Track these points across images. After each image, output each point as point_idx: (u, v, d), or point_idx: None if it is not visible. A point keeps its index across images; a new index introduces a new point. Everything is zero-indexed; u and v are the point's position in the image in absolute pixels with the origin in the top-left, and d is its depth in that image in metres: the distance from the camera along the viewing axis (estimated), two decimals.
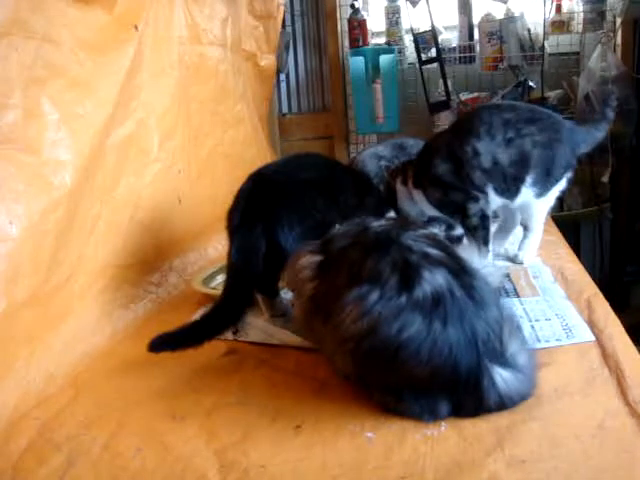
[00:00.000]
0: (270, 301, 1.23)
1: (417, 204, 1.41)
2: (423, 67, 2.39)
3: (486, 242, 1.38)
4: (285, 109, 2.83)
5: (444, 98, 2.37)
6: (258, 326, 1.19)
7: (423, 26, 2.41)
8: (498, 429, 0.79)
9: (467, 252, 0.94)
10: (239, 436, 0.84)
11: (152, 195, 1.45)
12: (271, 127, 2.57)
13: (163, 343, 1.01)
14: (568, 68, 2.45)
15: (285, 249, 1.10)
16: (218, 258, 1.52)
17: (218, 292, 1.26)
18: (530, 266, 1.39)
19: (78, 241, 1.16)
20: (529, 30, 2.39)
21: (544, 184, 1.32)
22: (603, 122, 1.39)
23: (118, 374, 1.06)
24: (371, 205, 1.32)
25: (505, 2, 2.41)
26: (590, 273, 1.36)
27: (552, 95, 2.43)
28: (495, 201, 1.36)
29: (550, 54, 2.42)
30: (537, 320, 1.10)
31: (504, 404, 0.81)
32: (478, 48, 2.48)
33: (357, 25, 2.50)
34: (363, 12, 2.53)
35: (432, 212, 1.40)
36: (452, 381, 0.78)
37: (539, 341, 1.02)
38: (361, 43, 2.50)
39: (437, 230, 1.34)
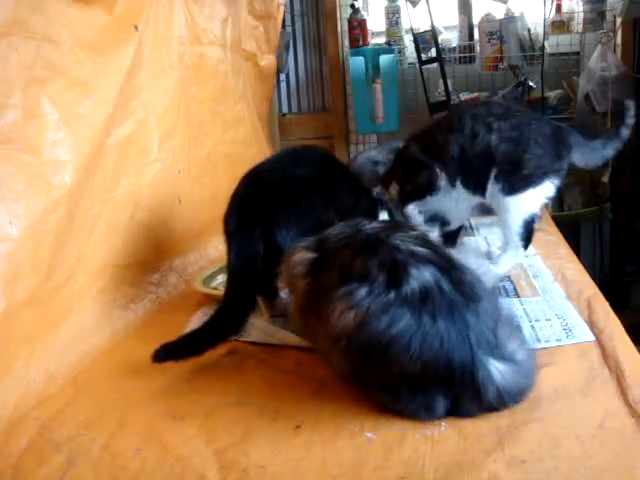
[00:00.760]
0: (270, 302, 1.23)
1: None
2: (423, 67, 2.39)
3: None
4: (285, 109, 2.84)
5: (444, 98, 2.37)
6: (258, 326, 1.19)
7: (423, 26, 2.41)
8: (498, 429, 0.79)
9: (462, 253, 0.95)
10: (239, 436, 0.84)
11: (152, 195, 1.45)
12: (271, 127, 2.57)
13: (167, 353, 1.00)
14: (568, 68, 2.45)
15: (283, 250, 1.10)
16: (218, 258, 1.52)
17: (218, 292, 1.26)
18: (530, 266, 1.38)
19: (78, 241, 1.16)
20: (529, 30, 2.39)
21: (511, 181, 1.28)
22: (614, 141, 1.33)
23: (118, 374, 1.06)
24: (365, 204, 1.32)
25: (505, 2, 2.41)
26: (590, 273, 1.35)
27: (552, 95, 2.43)
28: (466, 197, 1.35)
29: (550, 54, 2.43)
30: (537, 320, 1.11)
31: (503, 398, 0.81)
32: (478, 48, 2.48)
33: (357, 25, 2.50)
34: (363, 12, 2.53)
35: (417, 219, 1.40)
36: (446, 375, 0.79)
37: (539, 341, 1.02)
38: (361, 43, 2.51)
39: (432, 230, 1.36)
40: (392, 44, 2.55)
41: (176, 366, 1.04)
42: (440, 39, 2.41)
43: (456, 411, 0.82)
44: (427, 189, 1.36)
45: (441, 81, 2.36)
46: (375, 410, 0.85)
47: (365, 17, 2.52)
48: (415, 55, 2.40)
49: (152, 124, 1.45)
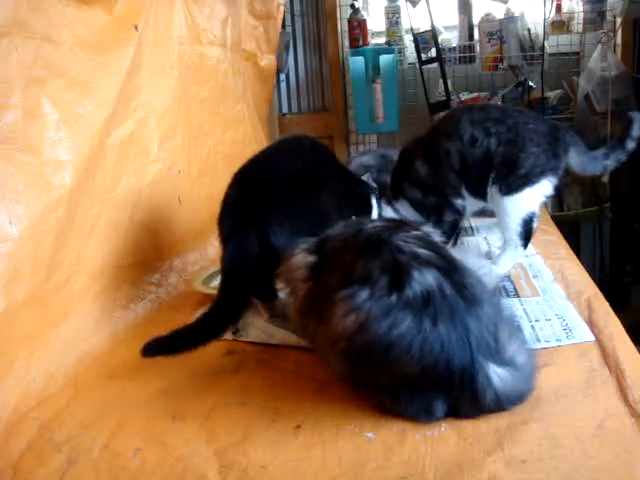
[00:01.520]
0: (268, 303, 1.23)
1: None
2: (423, 67, 2.39)
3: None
4: (285, 109, 2.84)
5: (444, 98, 2.37)
6: (258, 326, 1.19)
7: (423, 26, 2.41)
8: (498, 429, 0.79)
9: (462, 253, 0.94)
10: (239, 436, 0.84)
11: (152, 195, 1.45)
12: (271, 127, 2.57)
13: (157, 347, 0.99)
14: (568, 68, 2.46)
15: (279, 251, 1.09)
16: (218, 258, 1.52)
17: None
18: (530, 266, 1.39)
19: (78, 241, 1.16)
20: (529, 30, 2.39)
21: (508, 181, 1.28)
22: (618, 151, 1.32)
23: (118, 374, 1.06)
24: (360, 194, 1.32)
25: (505, 2, 2.41)
26: (590, 273, 1.35)
27: (552, 95, 2.43)
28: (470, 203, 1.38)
29: (550, 54, 2.43)
30: (537, 320, 1.10)
31: (501, 402, 0.81)
32: (478, 48, 2.48)
33: (357, 25, 2.50)
34: (363, 12, 2.54)
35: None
36: (445, 379, 0.78)
37: (539, 341, 1.02)
38: (361, 43, 2.51)
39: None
40: (392, 44, 2.55)
41: (176, 366, 1.04)
42: (440, 39, 2.42)
43: (454, 413, 0.82)
44: (455, 226, 1.42)
45: (441, 81, 2.36)
46: (375, 410, 0.85)
47: (365, 17, 2.52)
48: (415, 55, 2.40)
49: (152, 124, 1.45)
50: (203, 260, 1.63)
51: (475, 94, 2.50)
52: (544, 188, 1.28)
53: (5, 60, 0.98)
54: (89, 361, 1.11)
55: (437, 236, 0.93)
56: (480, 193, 1.34)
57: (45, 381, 1.01)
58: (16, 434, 0.88)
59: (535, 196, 1.29)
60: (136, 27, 1.35)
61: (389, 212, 1.46)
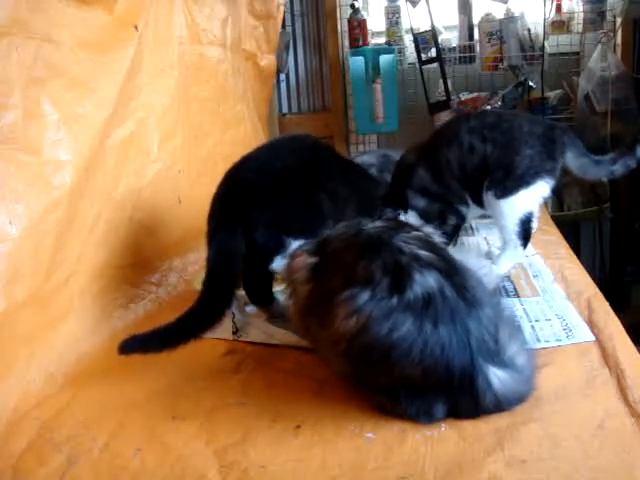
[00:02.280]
0: (267, 308, 1.22)
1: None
2: (423, 67, 2.39)
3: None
4: (285, 109, 2.84)
5: (444, 98, 2.36)
6: (258, 326, 1.19)
7: (423, 26, 2.41)
8: (498, 429, 0.79)
9: (463, 253, 0.94)
10: (239, 436, 0.84)
11: (152, 195, 1.45)
12: (271, 127, 2.57)
13: (135, 345, 0.99)
14: (568, 68, 2.45)
15: (267, 250, 1.08)
16: None
17: None
18: (530, 266, 1.38)
19: (78, 241, 1.16)
20: (529, 30, 2.39)
21: (504, 184, 1.28)
22: (627, 157, 1.30)
23: (118, 374, 1.06)
24: (366, 196, 1.30)
25: (505, 2, 2.41)
26: (590, 273, 1.35)
27: (552, 95, 2.43)
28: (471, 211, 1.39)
29: (550, 54, 2.42)
30: (537, 320, 1.10)
31: (500, 404, 0.81)
32: (478, 48, 2.48)
33: (357, 25, 2.50)
34: (363, 12, 2.53)
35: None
36: (446, 381, 0.78)
37: (539, 341, 1.02)
38: (361, 43, 2.50)
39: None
40: (392, 44, 2.54)
41: (176, 366, 1.04)
42: (440, 39, 2.41)
43: (454, 414, 0.82)
44: (457, 228, 1.42)
45: (441, 81, 2.36)
46: (375, 411, 0.85)
47: (365, 17, 2.52)
48: (415, 55, 2.40)
49: (152, 124, 1.45)
50: (203, 260, 1.62)
51: (475, 94, 2.49)
52: (540, 189, 1.28)
53: (5, 60, 0.99)
54: (89, 361, 1.11)
55: (437, 237, 0.93)
56: (480, 200, 1.35)
57: (45, 381, 1.01)
58: (16, 434, 0.88)
59: (531, 197, 1.29)
60: (136, 27, 1.35)
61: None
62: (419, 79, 2.42)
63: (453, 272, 0.83)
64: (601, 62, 2.25)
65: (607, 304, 1.14)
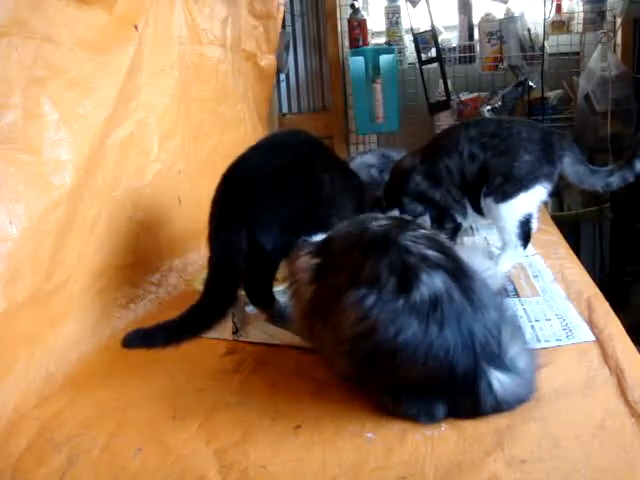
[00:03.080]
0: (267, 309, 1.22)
1: None
2: (423, 67, 2.39)
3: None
4: (285, 109, 2.84)
5: (444, 98, 2.36)
6: (258, 326, 1.19)
7: (423, 26, 2.41)
8: (498, 429, 0.79)
9: (468, 253, 0.93)
10: (239, 436, 0.84)
11: (152, 195, 1.45)
12: (271, 127, 2.56)
13: (138, 339, 0.99)
14: (568, 68, 2.45)
15: (268, 251, 1.07)
16: None
17: None
18: (530, 266, 1.38)
19: (78, 241, 1.16)
20: (529, 30, 2.39)
21: (503, 189, 1.30)
22: (625, 170, 1.31)
23: (118, 374, 1.06)
24: (356, 190, 1.30)
25: (505, 2, 2.41)
26: (590, 273, 1.35)
27: (552, 95, 2.43)
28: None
29: (550, 54, 2.42)
30: (537, 320, 1.10)
31: (500, 407, 0.81)
32: (478, 48, 2.48)
33: (357, 25, 2.50)
34: (363, 12, 2.53)
35: None
36: (448, 384, 0.79)
37: (539, 341, 1.02)
38: (361, 43, 2.50)
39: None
40: (392, 44, 2.54)
41: (176, 366, 1.04)
42: (440, 39, 2.41)
43: (452, 414, 0.82)
44: (455, 231, 1.44)
45: (441, 81, 2.36)
46: (375, 410, 0.85)
47: (365, 17, 2.52)
48: (415, 55, 2.40)
49: (152, 124, 1.45)
50: (203, 260, 1.61)
51: (475, 94, 2.49)
52: (538, 193, 1.30)
53: (5, 60, 0.99)
54: (89, 361, 1.11)
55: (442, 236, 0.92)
56: (479, 207, 1.36)
57: (45, 381, 1.01)
58: (16, 434, 0.88)
59: (530, 200, 1.30)
60: (136, 27, 1.35)
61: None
62: (419, 79, 2.42)
63: (460, 273, 0.83)
64: (601, 62, 2.25)
65: (607, 304, 1.14)
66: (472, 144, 1.33)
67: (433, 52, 2.38)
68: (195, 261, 1.60)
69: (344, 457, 0.77)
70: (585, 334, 1.03)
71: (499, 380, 0.80)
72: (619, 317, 1.08)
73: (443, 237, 0.91)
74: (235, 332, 1.17)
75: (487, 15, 2.46)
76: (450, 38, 2.54)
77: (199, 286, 1.37)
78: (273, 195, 1.10)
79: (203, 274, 1.43)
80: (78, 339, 1.13)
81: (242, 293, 1.22)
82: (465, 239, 1.62)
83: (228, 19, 1.90)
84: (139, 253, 1.38)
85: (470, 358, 0.78)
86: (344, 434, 0.82)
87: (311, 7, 2.74)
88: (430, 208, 1.40)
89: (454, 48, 2.50)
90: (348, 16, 2.55)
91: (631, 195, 2.46)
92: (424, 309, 0.78)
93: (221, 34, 1.85)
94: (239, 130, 2.00)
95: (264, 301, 1.22)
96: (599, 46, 2.28)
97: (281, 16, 2.40)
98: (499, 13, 2.46)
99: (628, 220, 2.48)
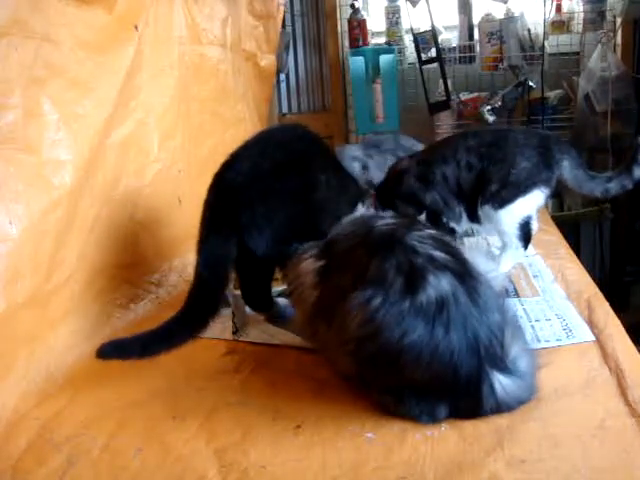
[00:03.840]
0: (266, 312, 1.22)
1: None
2: (423, 67, 2.39)
3: None
4: (285, 109, 2.84)
5: (444, 98, 2.36)
6: (258, 326, 1.19)
7: (423, 26, 2.41)
8: (498, 429, 0.79)
9: (473, 254, 0.92)
10: (239, 436, 0.84)
11: (152, 195, 1.45)
12: None
13: (114, 350, 0.98)
14: (568, 68, 2.45)
15: (260, 256, 1.05)
16: None
17: None
18: (530, 266, 1.38)
19: (78, 241, 1.16)
20: (529, 30, 2.39)
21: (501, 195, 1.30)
22: (623, 177, 1.30)
23: (118, 374, 1.06)
24: (351, 189, 1.28)
25: (505, 2, 2.41)
26: (590, 273, 1.36)
27: (552, 95, 2.43)
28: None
29: (550, 54, 2.42)
30: (537, 320, 1.10)
31: (500, 409, 0.81)
32: (478, 48, 2.48)
33: (357, 25, 2.50)
34: (363, 12, 2.53)
35: None
36: (452, 386, 0.79)
37: (539, 341, 1.02)
38: (361, 43, 2.50)
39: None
40: (392, 44, 2.54)
41: (176, 366, 1.04)
42: (440, 39, 2.41)
43: (452, 414, 0.82)
44: (452, 232, 1.43)
45: (441, 81, 2.36)
46: (375, 410, 0.85)
47: (365, 17, 2.52)
48: (415, 55, 2.40)
49: (152, 124, 1.45)
50: None
51: (475, 94, 2.49)
52: (536, 198, 1.30)
53: (5, 60, 0.99)
54: (89, 361, 1.11)
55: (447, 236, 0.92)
56: (475, 215, 1.37)
57: (45, 381, 1.01)
58: (16, 434, 0.88)
59: (528, 204, 1.31)
60: (136, 27, 1.35)
61: None
62: (419, 79, 2.42)
63: (466, 275, 0.82)
64: (601, 62, 2.25)
65: (607, 304, 1.14)
66: (470, 154, 1.33)
67: (433, 52, 2.38)
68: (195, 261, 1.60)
69: (344, 457, 0.77)
70: (585, 334, 1.03)
71: (501, 382, 0.80)
72: (619, 317, 1.08)
73: (448, 237, 0.91)
74: (235, 332, 1.17)
75: (487, 15, 2.46)
76: (450, 38, 2.54)
77: None
78: (265, 198, 1.06)
79: None
80: (78, 339, 1.13)
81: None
82: (465, 239, 1.61)
83: (228, 19, 1.90)
84: (139, 253, 1.38)
85: (474, 361, 0.78)
86: (344, 434, 0.82)
87: (311, 7, 2.74)
88: (421, 211, 1.40)
89: (454, 48, 2.50)
90: (348, 16, 2.55)
91: (631, 195, 2.46)
92: (430, 311, 0.78)
93: (221, 34, 1.85)
94: (239, 130, 2.00)
95: (262, 305, 1.21)
96: (599, 46, 2.28)
97: (281, 16, 2.40)
98: (499, 13, 2.46)
99: (628, 220, 2.48)
